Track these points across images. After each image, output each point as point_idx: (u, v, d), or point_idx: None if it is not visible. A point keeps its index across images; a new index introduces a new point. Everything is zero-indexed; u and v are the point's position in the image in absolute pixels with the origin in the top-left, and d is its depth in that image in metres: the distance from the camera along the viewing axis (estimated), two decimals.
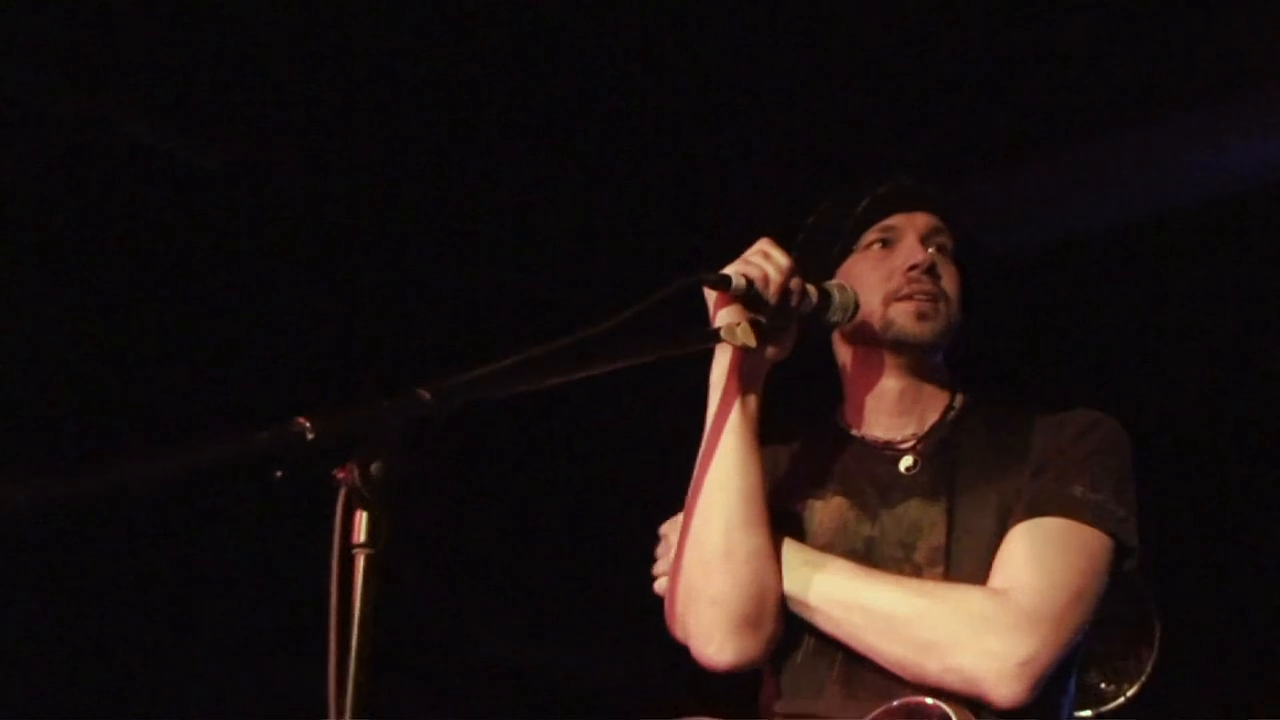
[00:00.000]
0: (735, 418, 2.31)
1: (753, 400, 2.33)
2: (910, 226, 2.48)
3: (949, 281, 2.45)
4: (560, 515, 4.55)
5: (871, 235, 2.47)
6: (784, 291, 2.29)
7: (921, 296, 2.40)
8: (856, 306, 2.43)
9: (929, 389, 2.46)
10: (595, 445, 4.55)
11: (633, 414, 4.11)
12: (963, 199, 2.75)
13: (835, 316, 2.42)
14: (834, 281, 2.46)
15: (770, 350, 2.34)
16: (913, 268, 2.40)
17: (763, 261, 2.29)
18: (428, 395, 1.74)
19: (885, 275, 2.42)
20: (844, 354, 2.52)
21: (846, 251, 2.49)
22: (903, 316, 2.39)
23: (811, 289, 2.37)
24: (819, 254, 2.52)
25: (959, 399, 2.47)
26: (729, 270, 2.27)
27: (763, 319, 2.27)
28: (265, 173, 3.63)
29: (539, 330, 2.04)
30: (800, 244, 2.54)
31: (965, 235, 2.53)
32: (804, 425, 2.57)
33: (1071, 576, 2.20)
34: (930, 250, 2.46)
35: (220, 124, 3.51)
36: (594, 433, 4.50)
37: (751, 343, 2.24)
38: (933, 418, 2.44)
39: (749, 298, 2.26)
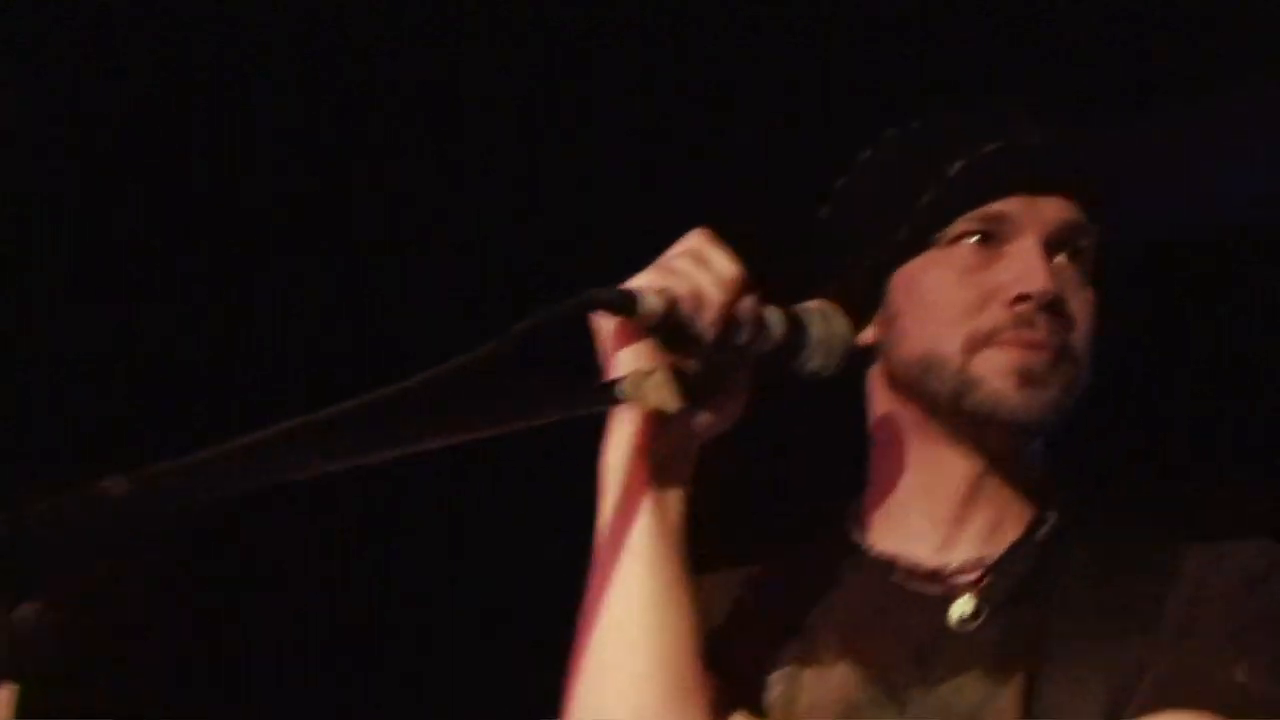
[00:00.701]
0: (646, 530, 1.77)
1: (676, 499, 1.80)
2: (1032, 219, 1.88)
3: (1081, 324, 1.89)
4: None
5: (964, 224, 1.88)
6: (727, 319, 1.73)
7: (1032, 348, 1.85)
8: (848, 347, 1.84)
9: (1013, 490, 1.91)
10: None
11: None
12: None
13: (813, 362, 1.81)
14: (813, 303, 1.85)
15: (704, 417, 1.78)
16: (1022, 299, 1.84)
17: (693, 269, 1.73)
18: (124, 490, 1.37)
19: (976, 299, 1.86)
20: (881, 407, 1.94)
21: (917, 244, 1.91)
22: (997, 377, 1.85)
23: (774, 314, 1.78)
24: (858, 240, 1.96)
25: (1057, 501, 1.93)
26: (636, 284, 1.72)
27: (692, 365, 1.73)
28: None
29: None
30: (828, 219, 2.00)
31: (1108, 234, 1.95)
32: (777, 538, 2.03)
33: None
34: (1059, 260, 1.88)
35: None
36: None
37: (671, 404, 1.69)
38: (1011, 534, 1.90)
39: (669, 330, 1.72)
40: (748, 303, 1.73)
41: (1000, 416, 1.83)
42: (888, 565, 1.90)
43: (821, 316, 1.80)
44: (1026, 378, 1.83)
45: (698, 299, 1.70)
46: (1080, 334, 1.88)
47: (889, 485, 1.93)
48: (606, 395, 1.68)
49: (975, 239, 1.88)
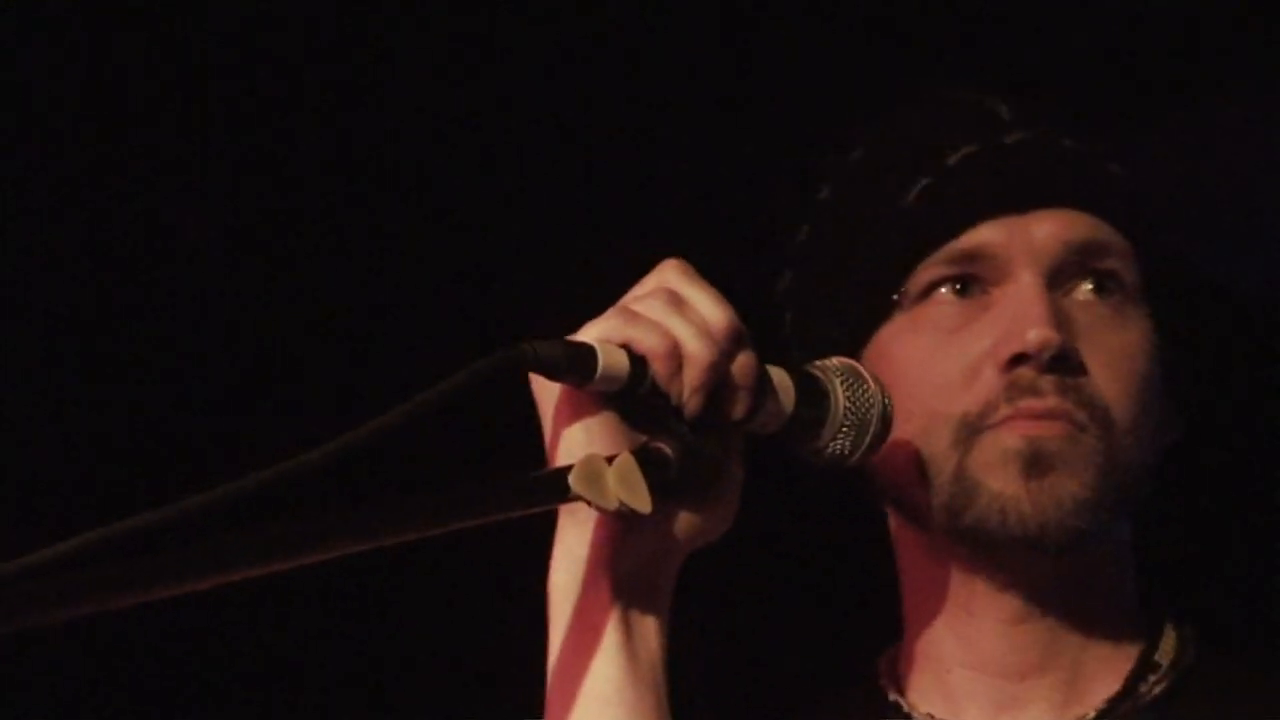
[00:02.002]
0: (610, 673, 1.46)
1: (649, 632, 1.47)
2: (1022, 247, 1.57)
3: (1115, 377, 1.55)
4: None
5: (930, 270, 1.58)
6: (717, 385, 1.41)
7: (1038, 419, 1.54)
8: (887, 423, 1.50)
9: (1092, 626, 1.61)
10: None
11: None
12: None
13: (837, 443, 1.48)
14: (834, 361, 1.52)
15: (686, 521, 1.45)
16: (1018, 359, 1.52)
17: (667, 315, 1.39)
18: None
19: (962, 371, 1.56)
20: (894, 530, 1.66)
21: (880, 306, 1.61)
22: (996, 474, 1.54)
23: (782, 377, 1.46)
24: (821, 309, 1.67)
25: (1167, 642, 1.63)
26: (590, 335, 1.39)
27: (668, 448, 1.39)
28: None
29: None
30: (791, 286, 1.71)
31: (1162, 249, 1.64)
32: (788, 689, 1.80)
33: None
34: (1080, 294, 1.57)
35: None
36: None
37: (641, 504, 1.37)
38: (1102, 689, 1.59)
39: (637, 400, 1.40)
40: (745, 361, 1.38)
41: (1011, 529, 1.51)
42: None
43: (848, 380, 1.47)
44: (1034, 463, 1.52)
45: (675, 357, 1.36)
46: (1114, 390, 1.54)
47: (923, 628, 1.62)
48: (550, 491, 1.35)
49: (951, 288, 1.57)
